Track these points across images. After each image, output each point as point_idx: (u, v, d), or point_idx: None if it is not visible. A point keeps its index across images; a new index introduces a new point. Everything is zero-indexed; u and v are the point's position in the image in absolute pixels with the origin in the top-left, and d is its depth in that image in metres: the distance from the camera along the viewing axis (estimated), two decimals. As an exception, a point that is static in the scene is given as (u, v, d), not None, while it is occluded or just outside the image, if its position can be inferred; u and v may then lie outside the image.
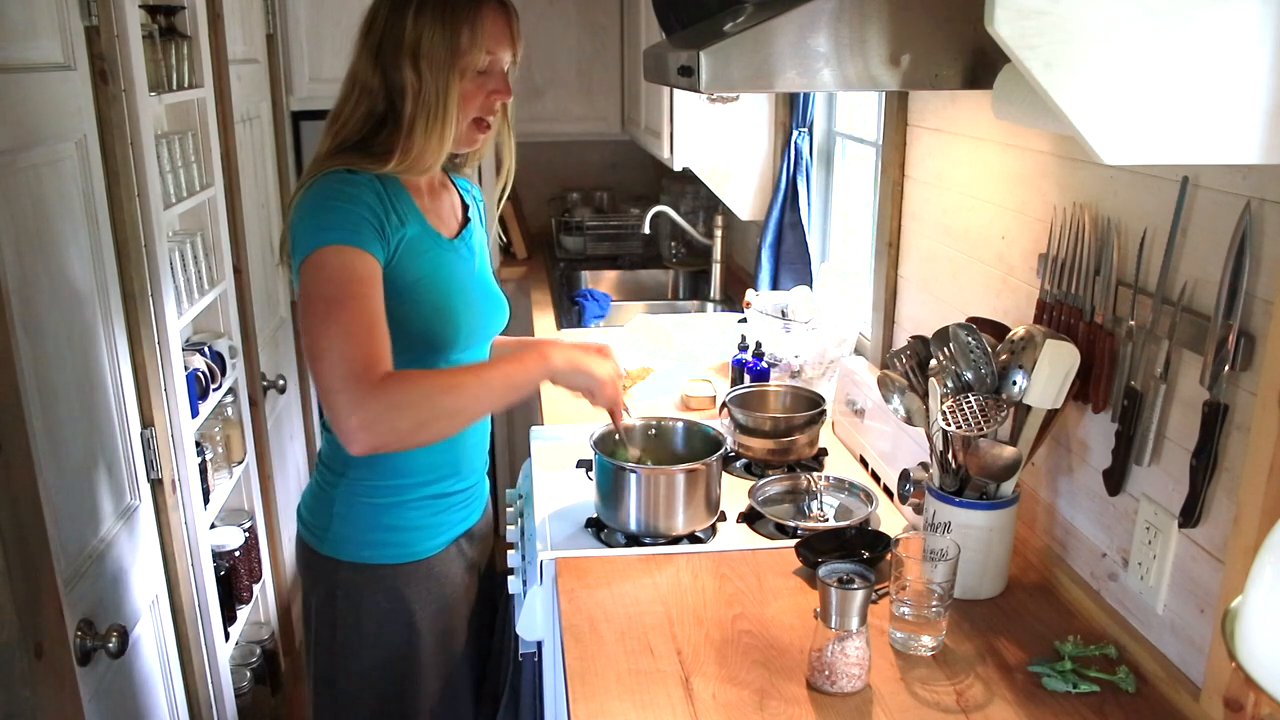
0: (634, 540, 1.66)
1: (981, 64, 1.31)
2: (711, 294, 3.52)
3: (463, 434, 1.59)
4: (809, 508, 1.76)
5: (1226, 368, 1.15)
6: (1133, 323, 1.31)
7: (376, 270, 1.40)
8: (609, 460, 1.66)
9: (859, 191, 2.75)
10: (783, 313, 2.33)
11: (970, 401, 1.41)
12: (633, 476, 1.64)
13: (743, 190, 3.08)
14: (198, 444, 2.13)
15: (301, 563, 1.65)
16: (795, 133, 2.73)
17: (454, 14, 1.42)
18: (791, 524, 1.69)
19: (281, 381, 2.87)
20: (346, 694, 1.63)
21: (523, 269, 3.87)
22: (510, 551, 1.85)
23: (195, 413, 2.11)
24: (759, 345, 2.33)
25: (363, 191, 1.42)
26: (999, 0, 0.84)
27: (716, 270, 3.49)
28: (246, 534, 2.46)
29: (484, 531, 1.72)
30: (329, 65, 3.20)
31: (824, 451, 2.01)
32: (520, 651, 1.74)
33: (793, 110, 2.73)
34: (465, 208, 1.66)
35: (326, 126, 1.50)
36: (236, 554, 2.39)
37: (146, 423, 1.91)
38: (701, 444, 1.78)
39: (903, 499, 1.63)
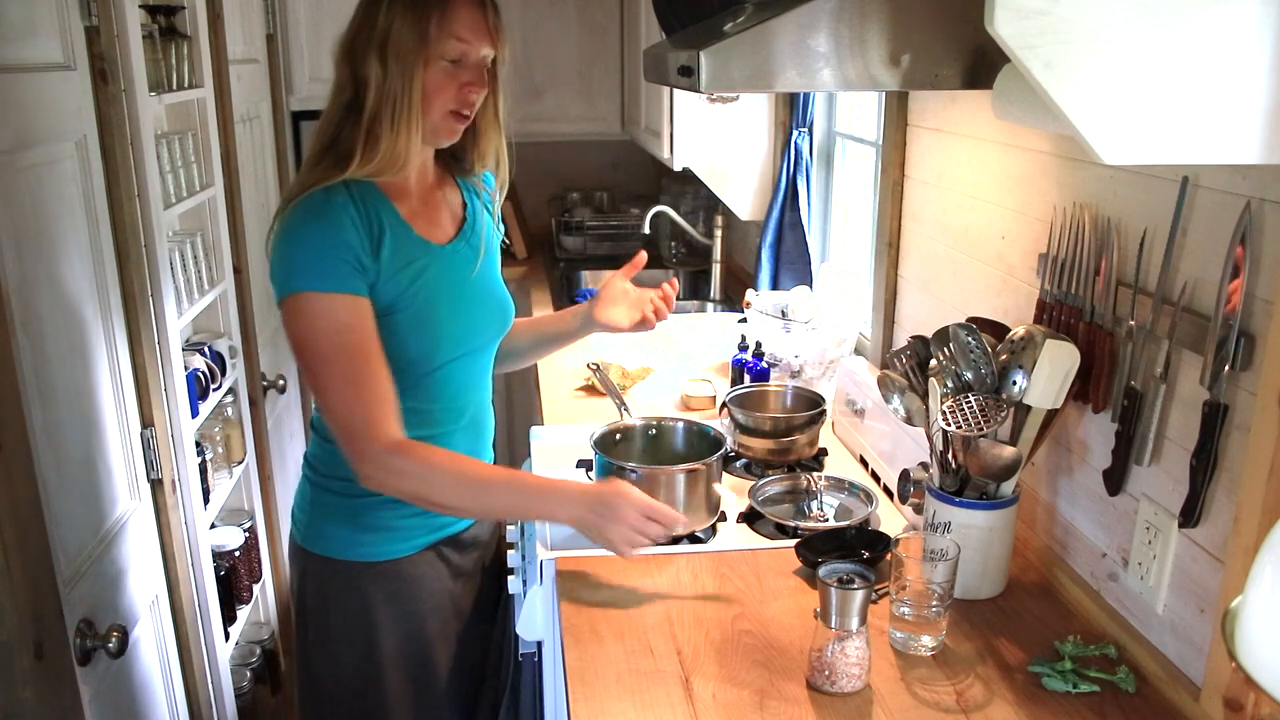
0: (634, 540, 1.66)
1: (981, 64, 1.31)
2: (711, 294, 3.52)
3: (449, 441, 1.58)
4: (809, 508, 1.76)
5: (1226, 368, 1.15)
6: (1133, 323, 1.31)
7: (362, 308, 1.41)
8: (609, 460, 1.66)
9: (859, 191, 2.75)
10: (783, 313, 2.33)
11: (970, 401, 1.41)
12: (633, 477, 1.63)
13: (743, 190, 3.08)
14: (198, 444, 2.13)
15: (288, 554, 1.67)
16: (795, 133, 2.73)
17: (424, 3, 1.40)
18: (791, 524, 1.69)
19: (281, 381, 2.87)
20: (322, 688, 1.64)
21: (523, 269, 3.87)
22: (510, 551, 1.85)
23: (195, 413, 2.11)
24: (759, 345, 2.33)
25: (339, 219, 1.40)
26: (999, 0, 0.84)
27: (716, 270, 3.49)
28: (246, 534, 2.46)
29: (478, 537, 1.69)
30: (329, 65, 3.14)
31: (824, 451, 2.01)
32: (520, 651, 1.73)
33: (793, 110, 2.73)
34: (465, 207, 1.64)
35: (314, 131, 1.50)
36: (236, 554, 2.39)
37: (146, 423, 1.91)
38: (701, 444, 1.78)
39: (903, 499, 1.63)
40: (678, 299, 1.89)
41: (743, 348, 2.40)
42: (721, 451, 1.69)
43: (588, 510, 1.41)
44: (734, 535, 1.71)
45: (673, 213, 3.52)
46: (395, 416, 1.41)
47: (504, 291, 1.66)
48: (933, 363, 1.49)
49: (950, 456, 1.47)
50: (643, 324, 1.78)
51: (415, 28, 1.39)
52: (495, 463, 1.81)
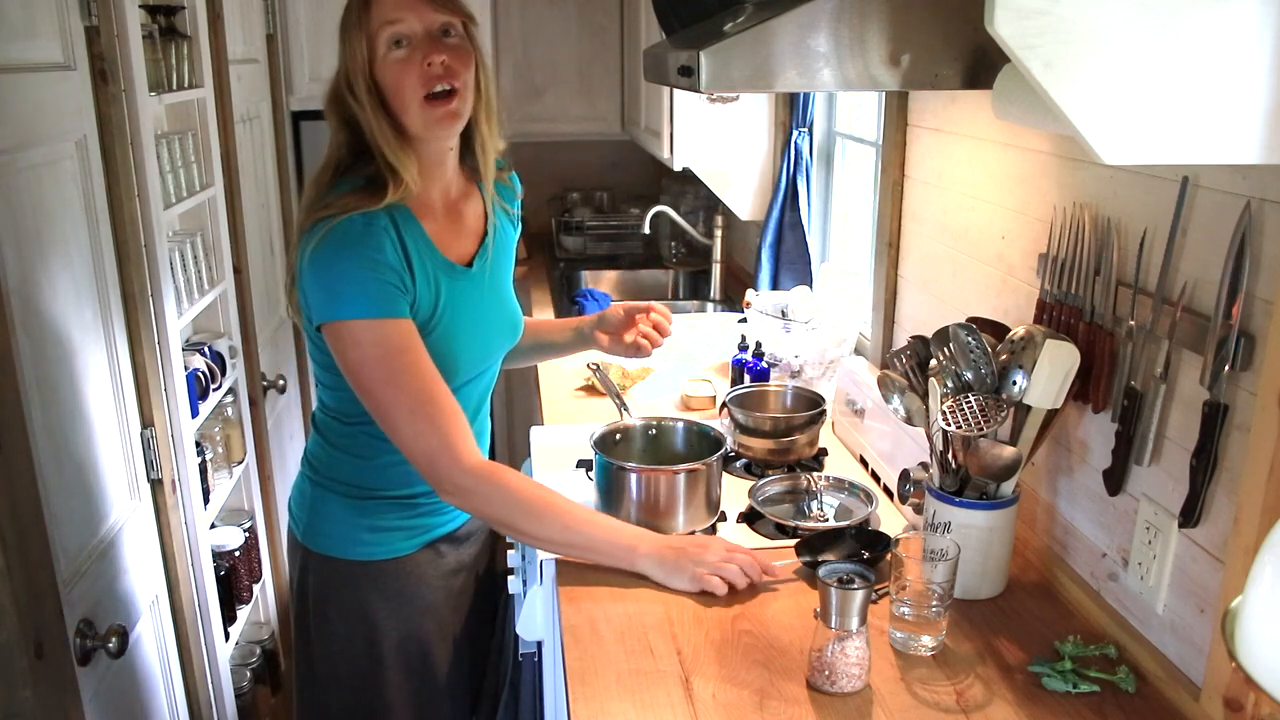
0: (634, 540, 1.66)
1: (981, 64, 1.31)
2: (711, 294, 3.52)
3: None
4: (809, 508, 1.76)
5: (1226, 368, 1.15)
6: (1133, 323, 1.31)
7: (409, 329, 1.41)
8: (609, 460, 1.66)
9: (859, 191, 2.75)
10: (783, 313, 2.33)
11: (970, 401, 1.41)
12: (633, 476, 1.64)
13: (743, 190, 3.08)
14: (198, 444, 2.13)
15: (287, 547, 1.68)
16: (795, 133, 2.73)
17: (349, 23, 1.42)
18: (791, 524, 1.69)
19: (281, 381, 2.87)
20: (320, 683, 1.65)
21: (523, 269, 3.88)
22: (510, 551, 1.85)
23: (195, 413, 2.11)
24: (759, 345, 2.33)
25: (381, 243, 1.39)
26: (999, 0, 0.84)
27: (716, 270, 3.50)
28: (246, 534, 2.46)
29: (473, 532, 1.69)
30: (329, 65, 3.13)
31: (824, 451, 2.01)
32: (520, 651, 1.74)
33: (793, 110, 2.73)
34: (485, 219, 1.61)
35: (316, 175, 1.50)
36: (236, 554, 2.39)
37: (146, 423, 1.91)
38: (701, 444, 1.78)
39: (903, 499, 1.63)
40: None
41: (743, 348, 2.40)
42: (721, 451, 1.69)
43: (671, 550, 1.46)
44: (734, 535, 1.70)
45: (673, 213, 3.52)
46: (466, 434, 1.42)
47: (514, 306, 1.66)
48: (933, 363, 1.49)
49: (950, 456, 1.47)
50: (638, 350, 1.79)
51: (356, 42, 1.40)
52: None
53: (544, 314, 3.30)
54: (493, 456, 1.77)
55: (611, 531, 1.48)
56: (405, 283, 1.41)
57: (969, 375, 1.45)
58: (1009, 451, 1.41)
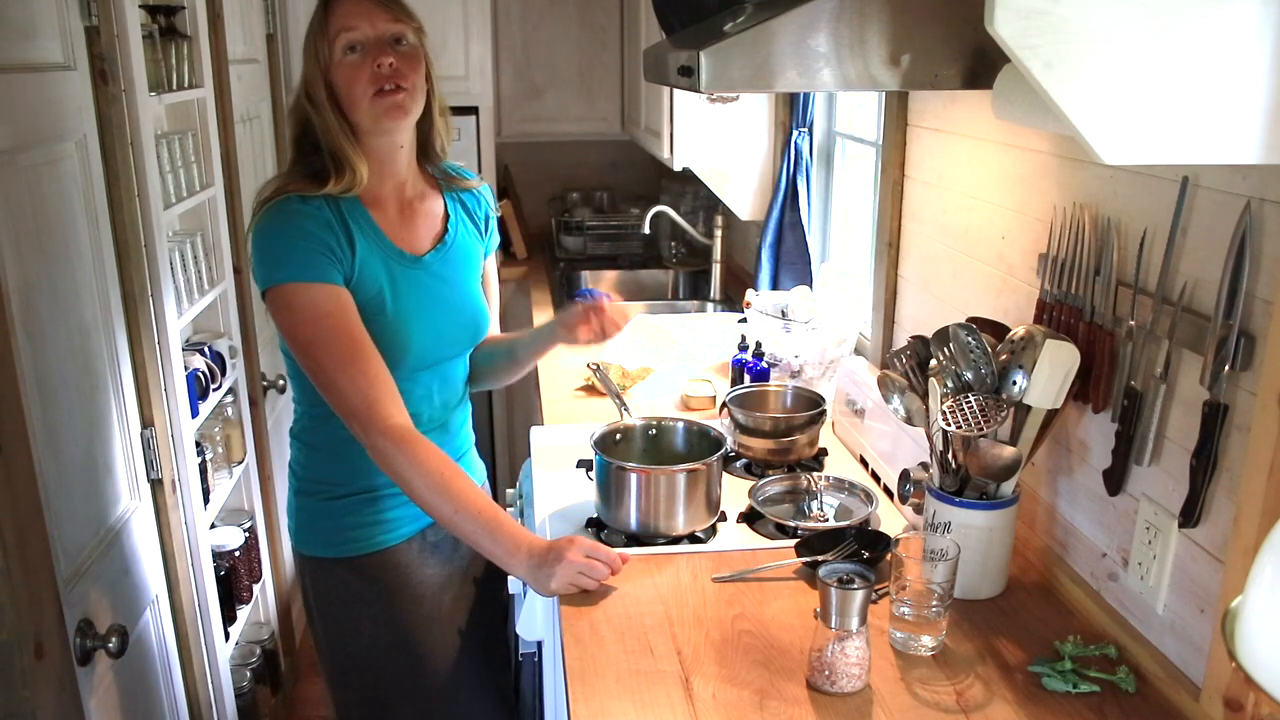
0: (634, 540, 1.66)
1: (981, 64, 1.31)
2: (711, 294, 3.51)
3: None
4: (809, 508, 1.76)
5: (1226, 368, 1.15)
6: (1133, 323, 1.31)
7: (342, 298, 1.47)
8: (609, 460, 1.66)
9: (859, 191, 2.75)
10: (783, 313, 2.33)
11: (970, 401, 1.41)
12: (633, 476, 1.64)
13: (743, 190, 3.08)
14: (198, 444, 2.13)
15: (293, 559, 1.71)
16: (795, 133, 2.73)
17: (311, 32, 1.50)
18: (791, 524, 1.69)
19: (281, 382, 2.86)
20: (331, 681, 1.71)
21: (523, 269, 3.87)
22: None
23: (195, 413, 2.11)
24: (759, 345, 2.33)
25: (309, 221, 1.47)
26: (999, 0, 0.84)
27: (716, 270, 3.49)
28: (246, 534, 2.46)
29: None
30: None
31: (824, 451, 2.01)
32: (520, 651, 1.74)
33: (793, 110, 2.73)
34: (446, 219, 1.65)
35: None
36: (236, 554, 2.39)
37: (146, 423, 1.91)
38: (701, 444, 1.78)
39: (903, 499, 1.63)
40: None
41: (743, 348, 2.40)
42: (721, 451, 1.69)
43: (538, 563, 1.45)
44: (734, 535, 1.71)
45: (673, 213, 3.52)
46: (392, 398, 1.47)
47: (478, 306, 1.68)
48: (933, 363, 1.49)
49: (950, 456, 1.47)
50: (603, 336, 1.76)
51: (312, 53, 1.49)
52: (493, 466, 1.83)
53: (544, 314, 3.30)
54: (491, 456, 1.77)
55: (493, 535, 1.46)
56: (339, 254, 1.48)
57: (969, 375, 1.45)
58: (1009, 451, 1.41)
